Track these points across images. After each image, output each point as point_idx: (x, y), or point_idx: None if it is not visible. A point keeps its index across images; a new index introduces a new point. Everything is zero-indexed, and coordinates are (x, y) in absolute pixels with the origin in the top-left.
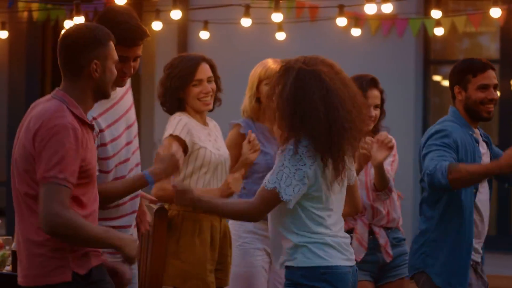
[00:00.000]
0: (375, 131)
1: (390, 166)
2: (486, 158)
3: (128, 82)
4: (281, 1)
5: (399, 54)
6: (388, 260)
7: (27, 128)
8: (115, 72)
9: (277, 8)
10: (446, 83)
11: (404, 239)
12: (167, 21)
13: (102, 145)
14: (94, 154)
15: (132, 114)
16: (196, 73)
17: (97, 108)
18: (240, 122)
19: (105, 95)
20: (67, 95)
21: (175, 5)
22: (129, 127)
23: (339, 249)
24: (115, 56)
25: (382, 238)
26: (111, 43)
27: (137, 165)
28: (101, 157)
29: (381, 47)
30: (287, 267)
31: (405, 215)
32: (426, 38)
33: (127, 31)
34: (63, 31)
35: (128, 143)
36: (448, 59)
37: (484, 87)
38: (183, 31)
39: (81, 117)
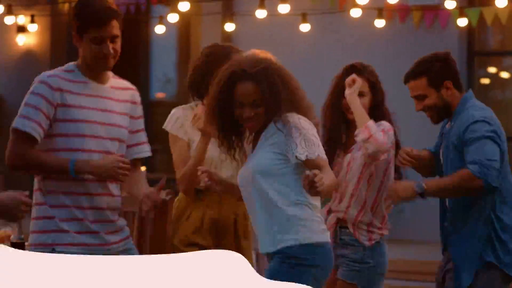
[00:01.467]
0: (377, 116)
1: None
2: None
3: (134, 96)
4: None
5: (441, 46)
6: None
7: None
8: None
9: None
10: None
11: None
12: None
13: (67, 120)
14: None
15: (116, 118)
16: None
17: (79, 88)
18: None
19: None
20: None
21: None
22: (107, 124)
23: None
24: None
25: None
26: None
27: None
28: (62, 133)
29: (422, 39)
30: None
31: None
32: (470, 29)
33: (96, 11)
34: None
35: (105, 138)
36: (495, 50)
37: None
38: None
39: None
